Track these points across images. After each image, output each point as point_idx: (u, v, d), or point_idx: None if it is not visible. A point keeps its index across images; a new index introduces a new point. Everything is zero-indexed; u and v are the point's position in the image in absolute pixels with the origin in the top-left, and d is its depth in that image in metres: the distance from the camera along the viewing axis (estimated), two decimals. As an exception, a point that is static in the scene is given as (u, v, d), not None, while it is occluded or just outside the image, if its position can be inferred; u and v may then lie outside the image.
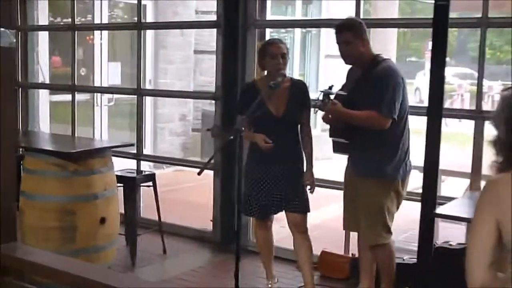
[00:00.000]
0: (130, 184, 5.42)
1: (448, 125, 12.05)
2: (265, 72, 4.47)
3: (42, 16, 7.98)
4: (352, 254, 5.11)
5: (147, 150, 7.91)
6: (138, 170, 6.12)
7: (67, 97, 7.31)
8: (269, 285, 4.69)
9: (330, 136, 4.34)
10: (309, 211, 4.45)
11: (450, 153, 8.00)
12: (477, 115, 4.59)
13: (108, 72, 8.94)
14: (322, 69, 11.65)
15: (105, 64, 8.93)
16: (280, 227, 5.04)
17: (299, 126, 4.45)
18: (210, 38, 10.06)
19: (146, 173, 5.83)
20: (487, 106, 13.39)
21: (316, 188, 4.52)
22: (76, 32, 7.00)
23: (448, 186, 6.96)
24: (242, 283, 4.01)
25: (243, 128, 3.88)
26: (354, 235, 4.88)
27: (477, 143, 4.60)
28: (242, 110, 4.22)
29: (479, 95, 4.68)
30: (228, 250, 5.67)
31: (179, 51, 9.89)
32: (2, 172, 2.20)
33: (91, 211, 4.72)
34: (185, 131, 10.20)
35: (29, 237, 4.62)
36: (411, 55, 22.51)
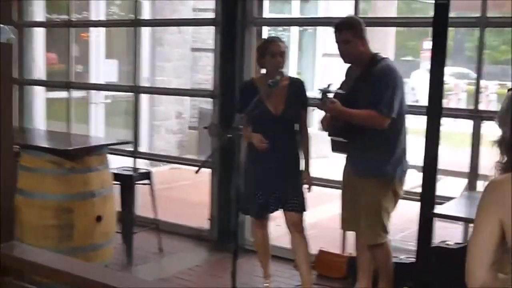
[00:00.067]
0: (127, 182, 5.40)
1: (443, 125, 12.06)
2: (264, 70, 4.45)
3: (38, 12, 7.94)
4: (349, 253, 5.10)
5: (143, 148, 7.88)
6: (135, 168, 6.08)
7: (63, 94, 7.28)
8: (266, 284, 4.68)
9: (329, 135, 4.33)
10: (306, 210, 4.44)
11: (446, 153, 8.00)
12: (475, 115, 4.59)
13: (105, 70, 8.90)
14: (319, 67, 11.64)
15: (101, 61, 8.89)
16: (276, 226, 5.03)
17: (297, 125, 4.43)
18: (207, 36, 10.02)
19: (143, 171, 5.80)
20: (482, 105, 13.40)
21: (313, 187, 4.51)
22: (72, 28, 6.95)
23: (444, 186, 6.96)
24: (239, 282, 3.99)
25: (241, 127, 3.86)
26: (351, 234, 4.87)
27: (475, 143, 4.60)
28: (241, 108, 4.21)
29: (477, 95, 4.67)
30: (225, 248, 5.64)
31: (176, 49, 9.87)
32: (1, 171, 2.18)
33: (88, 209, 4.69)
34: (181, 129, 10.18)
35: (26, 235, 4.58)
36: (407, 54, 22.51)
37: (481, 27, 4.48)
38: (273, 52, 4.28)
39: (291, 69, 10.48)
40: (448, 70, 18.62)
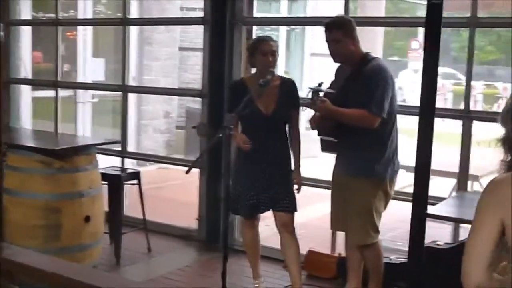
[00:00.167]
0: (115, 182, 5.36)
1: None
2: (254, 70, 4.43)
3: (25, 10, 7.87)
4: (339, 253, 5.09)
5: (130, 147, 7.82)
6: (123, 168, 6.04)
7: (49, 93, 7.21)
8: (256, 285, 4.65)
9: (319, 134, 4.31)
10: (296, 210, 4.42)
11: (433, 153, 8.01)
12: (466, 115, 4.60)
13: (92, 68, 8.84)
14: (307, 67, 11.64)
15: (88, 60, 8.82)
16: (265, 226, 5.02)
17: (287, 125, 4.41)
18: (195, 35, 10.01)
19: (131, 171, 5.76)
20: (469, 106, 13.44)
21: (302, 187, 4.49)
22: (59, 27, 6.89)
23: (432, 186, 6.96)
24: (229, 282, 3.97)
25: (231, 126, 3.84)
26: (340, 234, 4.86)
27: (465, 143, 4.61)
28: (231, 107, 4.18)
29: (467, 95, 4.67)
30: (213, 248, 5.64)
31: (164, 48, 9.82)
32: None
33: (76, 209, 4.66)
34: (169, 128, 10.14)
35: (13, 235, 4.52)
36: (393, 54, 22.59)
37: (471, 27, 4.48)
38: (264, 51, 4.25)
39: (279, 69, 10.47)
40: (434, 71, 18.77)
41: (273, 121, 4.31)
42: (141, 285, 4.03)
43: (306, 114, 4.28)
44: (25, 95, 7.88)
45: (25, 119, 7.85)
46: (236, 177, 4.41)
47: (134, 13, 8.83)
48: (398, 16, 15.43)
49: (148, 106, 9.68)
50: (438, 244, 4.44)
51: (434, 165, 6.49)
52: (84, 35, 8.76)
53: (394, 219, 6.01)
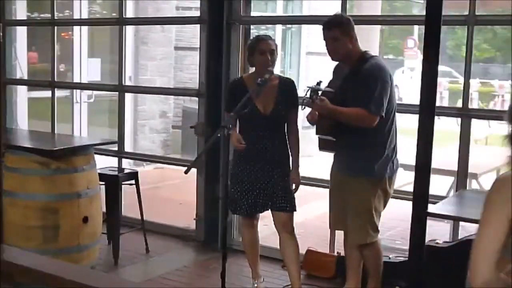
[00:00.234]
0: (113, 183, 5.33)
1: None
2: (252, 69, 4.42)
3: (20, 10, 7.85)
4: (337, 252, 5.08)
5: (127, 147, 7.80)
6: (120, 168, 6.02)
7: (45, 93, 7.19)
8: (255, 285, 4.64)
9: (317, 133, 4.30)
10: (295, 210, 4.41)
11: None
12: (465, 113, 4.59)
13: (88, 69, 8.81)
14: (303, 66, 11.63)
15: (84, 60, 8.80)
16: (264, 225, 5.00)
17: (286, 124, 4.40)
18: (191, 34, 9.98)
19: (129, 171, 5.74)
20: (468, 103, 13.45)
21: (299, 186, 4.48)
22: (56, 27, 6.87)
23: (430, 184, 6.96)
24: (228, 282, 3.97)
25: (230, 126, 3.82)
26: (339, 233, 4.85)
27: (464, 141, 4.60)
28: (229, 107, 4.17)
29: (466, 93, 4.67)
30: (212, 248, 5.63)
31: (160, 47, 9.79)
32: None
33: (74, 210, 4.64)
34: (165, 128, 10.11)
35: (11, 236, 4.50)
36: (388, 52, 22.62)
37: (469, 25, 4.47)
38: (262, 50, 4.24)
39: (275, 68, 10.45)
40: (429, 69, 18.78)
41: (271, 121, 4.30)
42: (140, 285, 4.01)
43: (303, 113, 4.26)
44: (21, 96, 7.86)
45: (21, 119, 7.82)
46: (234, 177, 4.39)
47: (129, 12, 8.80)
48: (396, 14, 15.45)
49: (144, 106, 9.65)
50: (437, 243, 4.43)
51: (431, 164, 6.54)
52: (80, 35, 8.72)
53: (393, 218, 6.01)
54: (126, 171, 5.76)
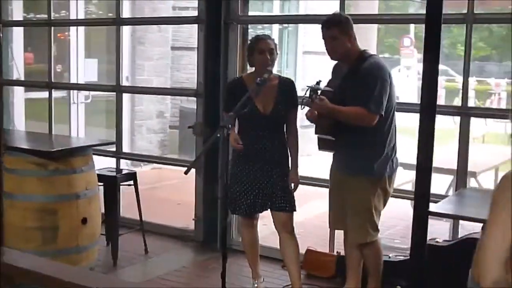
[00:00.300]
0: (111, 183, 5.31)
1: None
2: (252, 69, 4.41)
3: (16, 11, 7.82)
4: (337, 252, 5.07)
5: (124, 148, 7.79)
6: (118, 169, 6.00)
7: (42, 94, 7.16)
8: (256, 285, 4.62)
9: (316, 133, 4.29)
10: (295, 210, 4.40)
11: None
12: (464, 112, 4.58)
13: (85, 69, 8.79)
14: (300, 65, 11.62)
15: (81, 61, 8.77)
16: (263, 225, 4.99)
17: (285, 124, 4.39)
18: (187, 34, 9.97)
19: (127, 171, 5.72)
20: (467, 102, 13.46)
21: (298, 186, 4.47)
22: (52, 27, 6.84)
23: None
24: (228, 283, 3.95)
25: (229, 126, 3.81)
26: (338, 233, 4.84)
27: (463, 140, 4.59)
28: (229, 106, 4.15)
29: (465, 91, 4.66)
30: (211, 249, 5.62)
31: (157, 47, 9.77)
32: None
33: (73, 211, 4.62)
34: (162, 128, 10.09)
35: (9, 238, 4.47)
36: (384, 51, 22.62)
37: (468, 23, 4.47)
38: (261, 50, 4.23)
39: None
40: (426, 68, 18.79)
41: (271, 121, 4.29)
42: (139, 286, 4.00)
43: (302, 113, 4.25)
44: (18, 97, 7.83)
45: (18, 120, 7.80)
46: (234, 177, 4.38)
47: (126, 13, 8.79)
48: (394, 13, 15.48)
49: (141, 106, 9.63)
50: (437, 242, 4.43)
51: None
52: (76, 36, 8.70)
53: (392, 217, 6.01)
54: (124, 171, 5.74)
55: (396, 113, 4.22)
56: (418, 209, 2.95)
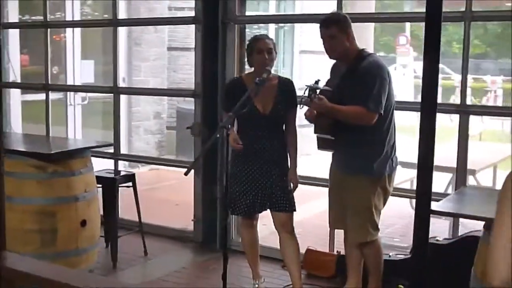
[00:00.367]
0: (110, 185, 5.29)
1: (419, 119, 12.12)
2: (252, 69, 4.39)
3: (12, 13, 7.79)
4: (337, 251, 5.06)
5: (122, 149, 7.77)
6: (116, 171, 5.98)
7: (39, 96, 7.14)
8: (256, 285, 4.61)
9: (315, 132, 4.27)
10: (295, 210, 4.39)
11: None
12: (463, 110, 4.58)
13: (81, 71, 8.76)
14: (297, 64, 11.62)
15: (77, 62, 8.75)
16: (262, 225, 4.98)
17: (284, 124, 4.38)
18: (184, 34, 9.96)
19: (126, 173, 5.70)
20: (458, 100, 13.51)
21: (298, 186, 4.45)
22: (49, 29, 6.82)
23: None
24: (228, 283, 3.94)
25: (229, 126, 3.80)
26: (338, 232, 4.84)
27: (462, 137, 4.59)
28: (228, 106, 4.14)
29: (463, 90, 4.66)
30: (210, 249, 5.61)
31: (153, 48, 9.75)
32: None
33: (72, 214, 4.60)
34: (160, 129, 10.08)
35: (8, 241, 4.45)
36: (379, 50, 22.62)
37: (466, 21, 4.46)
38: (259, 49, 4.23)
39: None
40: (420, 66, 18.81)
41: (270, 120, 4.28)
42: (142, 285, 4.01)
43: (301, 112, 4.24)
44: (15, 99, 7.80)
45: (15, 123, 7.77)
46: (233, 177, 4.37)
47: (122, 13, 8.77)
48: (392, 12, 15.44)
49: (138, 107, 9.61)
50: (438, 240, 4.43)
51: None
52: (72, 37, 8.67)
53: (391, 215, 6.00)
54: (122, 173, 5.72)
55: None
56: (419, 207, 2.92)
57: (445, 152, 5.65)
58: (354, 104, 4.01)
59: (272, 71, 4.31)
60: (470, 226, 4.84)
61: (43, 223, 4.55)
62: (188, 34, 9.41)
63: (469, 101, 14.35)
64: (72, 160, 4.67)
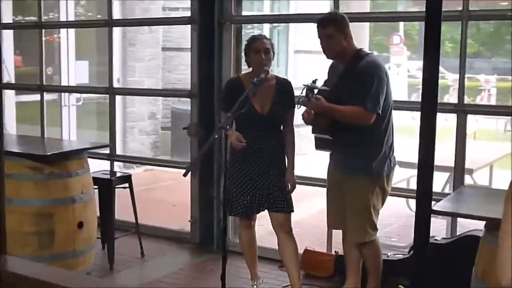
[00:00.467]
0: (106, 186, 5.26)
1: (415, 118, 12.16)
2: (250, 69, 4.39)
3: (6, 14, 7.75)
4: (335, 251, 5.05)
5: (117, 150, 7.74)
6: (112, 172, 5.95)
7: (32, 97, 7.11)
8: (255, 286, 4.60)
9: (313, 132, 4.26)
10: (293, 210, 4.38)
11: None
12: (460, 109, 4.58)
13: (76, 71, 8.73)
14: (291, 64, 11.62)
15: (72, 63, 8.71)
16: (259, 225, 4.96)
17: (282, 124, 4.37)
18: (178, 35, 9.94)
19: (122, 174, 5.67)
20: (452, 99, 13.54)
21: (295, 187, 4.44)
22: (43, 30, 6.79)
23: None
24: (226, 284, 3.93)
25: (228, 126, 3.79)
26: (336, 232, 4.83)
27: (460, 137, 4.59)
28: (227, 106, 4.13)
29: (461, 89, 4.66)
30: (208, 250, 5.59)
31: (148, 48, 9.73)
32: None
33: (69, 215, 4.57)
34: (154, 129, 10.05)
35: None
36: (373, 49, 22.65)
37: (463, 20, 4.46)
38: (256, 49, 4.22)
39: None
40: (415, 65, 18.82)
41: (268, 121, 4.27)
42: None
43: (298, 112, 4.23)
44: (9, 100, 7.76)
45: (9, 124, 7.73)
46: (230, 178, 4.35)
47: (116, 14, 8.74)
48: (389, 11, 15.46)
49: (133, 107, 9.59)
50: (436, 240, 4.43)
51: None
52: (66, 38, 8.64)
53: (388, 215, 5.99)
54: (118, 174, 5.69)
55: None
56: (420, 207, 2.92)
57: (441, 151, 5.64)
58: (352, 104, 4.00)
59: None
60: (466, 226, 4.84)
61: (40, 225, 4.52)
62: (182, 35, 9.40)
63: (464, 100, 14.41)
64: (68, 162, 4.64)
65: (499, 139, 12.41)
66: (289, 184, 4.38)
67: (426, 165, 2.94)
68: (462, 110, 4.57)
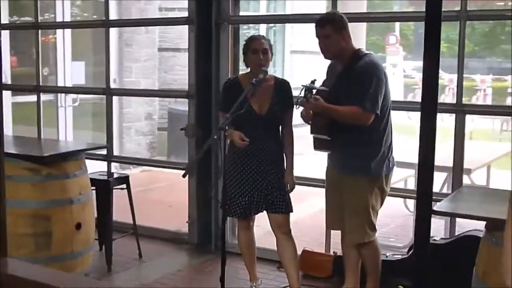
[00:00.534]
0: (104, 187, 5.24)
1: (411, 118, 12.17)
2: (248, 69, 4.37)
3: (2, 15, 7.71)
4: (334, 252, 5.05)
5: (114, 151, 7.72)
6: (110, 173, 5.93)
7: (28, 98, 7.07)
8: (254, 287, 4.59)
9: (311, 132, 4.25)
10: (292, 211, 4.37)
11: (417, 146, 7.99)
12: (458, 109, 4.58)
13: (72, 72, 8.70)
14: (288, 64, 11.61)
15: (68, 64, 8.68)
16: (256, 226, 4.95)
17: (280, 125, 4.36)
18: (174, 35, 9.91)
19: (120, 175, 5.65)
20: (448, 99, 13.56)
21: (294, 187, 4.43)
22: (39, 30, 6.76)
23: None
24: (225, 285, 3.92)
25: (227, 128, 3.78)
26: (334, 232, 4.82)
27: (458, 137, 4.59)
28: (225, 107, 4.12)
29: (460, 89, 4.66)
30: (205, 251, 5.58)
31: (144, 49, 9.71)
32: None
33: (67, 217, 4.55)
34: (151, 130, 10.03)
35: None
36: (368, 49, 22.62)
37: (461, 20, 4.46)
38: (254, 49, 4.21)
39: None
40: (410, 65, 18.83)
41: (267, 121, 4.26)
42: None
43: (297, 112, 4.22)
44: (5, 101, 7.72)
45: (5, 125, 7.68)
46: (229, 178, 4.34)
47: (112, 14, 8.72)
48: (387, 11, 15.47)
49: (129, 108, 9.56)
50: (435, 240, 4.43)
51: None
52: (63, 39, 8.61)
53: (386, 215, 5.98)
54: (115, 175, 5.67)
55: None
56: (420, 208, 2.92)
57: (438, 151, 5.63)
58: (351, 104, 4.00)
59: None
60: (465, 226, 4.83)
61: (38, 226, 4.50)
62: (178, 35, 9.39)
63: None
64: (66, 163, 4.63)
65: (496, 139, 12.43)
66: (288, 185, 4.37)
67: (426, 165, 2.94)
68: (460, 110, 4.56)
